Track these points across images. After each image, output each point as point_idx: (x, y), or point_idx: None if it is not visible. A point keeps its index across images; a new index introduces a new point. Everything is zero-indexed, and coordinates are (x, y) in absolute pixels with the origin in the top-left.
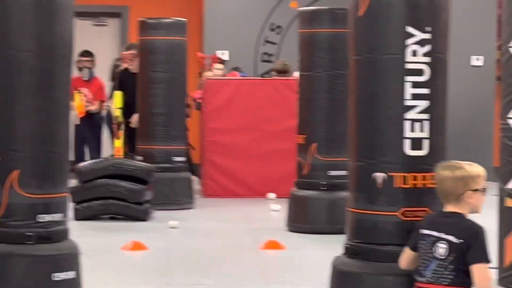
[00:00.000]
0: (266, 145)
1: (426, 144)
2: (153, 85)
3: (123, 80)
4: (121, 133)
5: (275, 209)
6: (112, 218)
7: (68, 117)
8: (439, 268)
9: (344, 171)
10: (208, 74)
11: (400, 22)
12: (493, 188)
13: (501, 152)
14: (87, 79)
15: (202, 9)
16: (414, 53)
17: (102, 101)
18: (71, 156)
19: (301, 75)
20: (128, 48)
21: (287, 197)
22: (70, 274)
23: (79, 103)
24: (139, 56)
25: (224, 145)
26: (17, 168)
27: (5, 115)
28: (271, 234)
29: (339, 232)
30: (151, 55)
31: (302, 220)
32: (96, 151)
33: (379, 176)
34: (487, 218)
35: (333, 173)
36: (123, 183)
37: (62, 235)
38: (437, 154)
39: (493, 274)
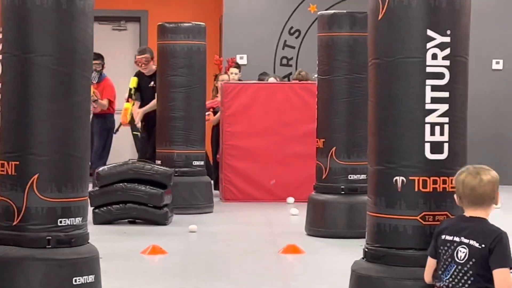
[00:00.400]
0: (285, 149)
1: (446, 147)
2: (172, 89)
3: (138, 84)
4: (131, 100)
5: (294, 213)
6: (131, 222)
7: (87, 121)
8: (458, 272)
9: (364, 175)
10: (224, 77)
11: (420, 26)
12: None
13: None
14: (96, 82)
15: (221, 13)
16: (434, 57)
17: (110, 101)
18: None
19: (320, 79)
20: (141, 52)
21: (306, 201)
22: (89, 278)
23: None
24: (158, 60)
25: (243, 149)
26: (36, 172)
27: (25, 119)
28: (290, 238)
29: (359, 236)
30: (170, 59)
31: (321, 224)
32: (96, 154)
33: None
34: (508, 220)
35: (353, 177)
36: (142, 187)
37: (81, 239)
38: (457, 157)
39: None
